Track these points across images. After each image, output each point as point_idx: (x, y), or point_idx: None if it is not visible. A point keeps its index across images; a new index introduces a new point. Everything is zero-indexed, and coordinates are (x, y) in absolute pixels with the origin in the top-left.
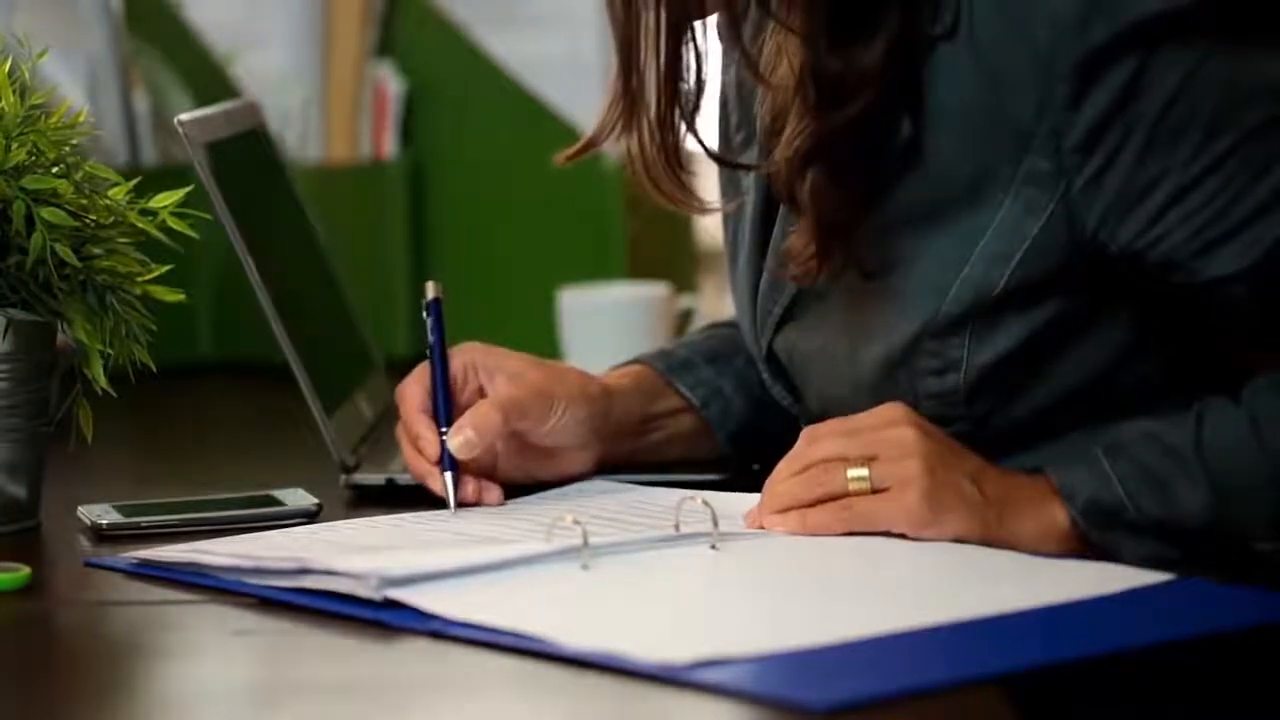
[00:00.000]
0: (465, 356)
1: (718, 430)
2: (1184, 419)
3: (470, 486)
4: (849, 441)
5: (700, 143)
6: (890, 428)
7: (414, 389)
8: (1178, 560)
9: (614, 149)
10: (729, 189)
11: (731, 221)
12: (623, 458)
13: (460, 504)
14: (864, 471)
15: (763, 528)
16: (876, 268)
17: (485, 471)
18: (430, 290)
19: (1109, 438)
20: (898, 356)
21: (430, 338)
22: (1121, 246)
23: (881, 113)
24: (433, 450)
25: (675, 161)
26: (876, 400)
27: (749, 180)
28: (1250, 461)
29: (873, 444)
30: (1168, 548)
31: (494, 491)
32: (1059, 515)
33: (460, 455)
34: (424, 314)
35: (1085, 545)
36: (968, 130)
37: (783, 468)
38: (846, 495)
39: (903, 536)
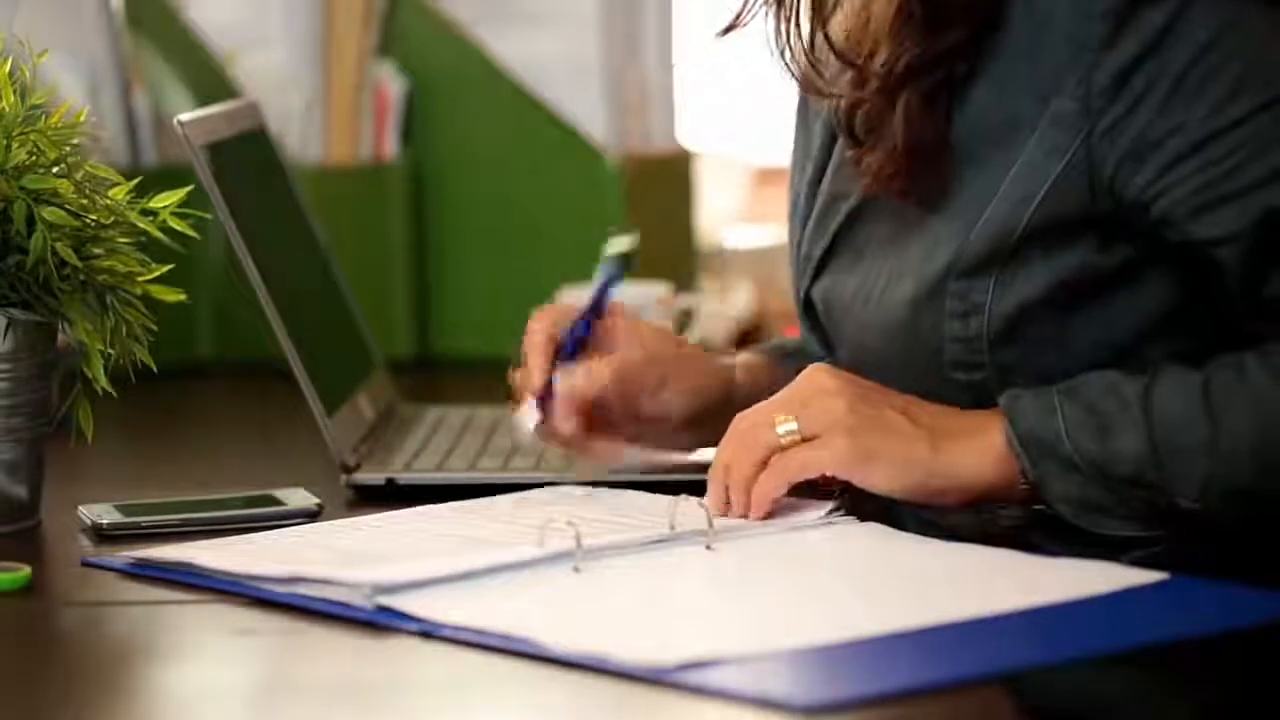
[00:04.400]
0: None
1: None
2: (1143, 374)
3: (569, 423)
4: (773, 403)
5: (828, 41)
6: (810, 382)
7: (552, 316)
8: (1103, 508)
9: (614, 148)
10: (801, 155)
11: (795, 180)
12: None
13: (547, 433)
14: (792, 425)
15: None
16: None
17: (597, 425)
18: (622, 244)
19: (1071, 381)
20: (924, 296)
21: (599, 281)
22: (1131, 197)
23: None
24: (536, 380)
25: (810, 46)
26: (905, 346)
27: (814, 144)
28: (1192, 423)
29: (796, 397)
30: (1096, 490)
31: (613, 449)
32: (997, 439)
33: (560, 395)
34: (602, 261)
35: (1019, 474)
36: (1010, 68)
37: (719, 447)
38: (780, 449)
39: (849, 488)
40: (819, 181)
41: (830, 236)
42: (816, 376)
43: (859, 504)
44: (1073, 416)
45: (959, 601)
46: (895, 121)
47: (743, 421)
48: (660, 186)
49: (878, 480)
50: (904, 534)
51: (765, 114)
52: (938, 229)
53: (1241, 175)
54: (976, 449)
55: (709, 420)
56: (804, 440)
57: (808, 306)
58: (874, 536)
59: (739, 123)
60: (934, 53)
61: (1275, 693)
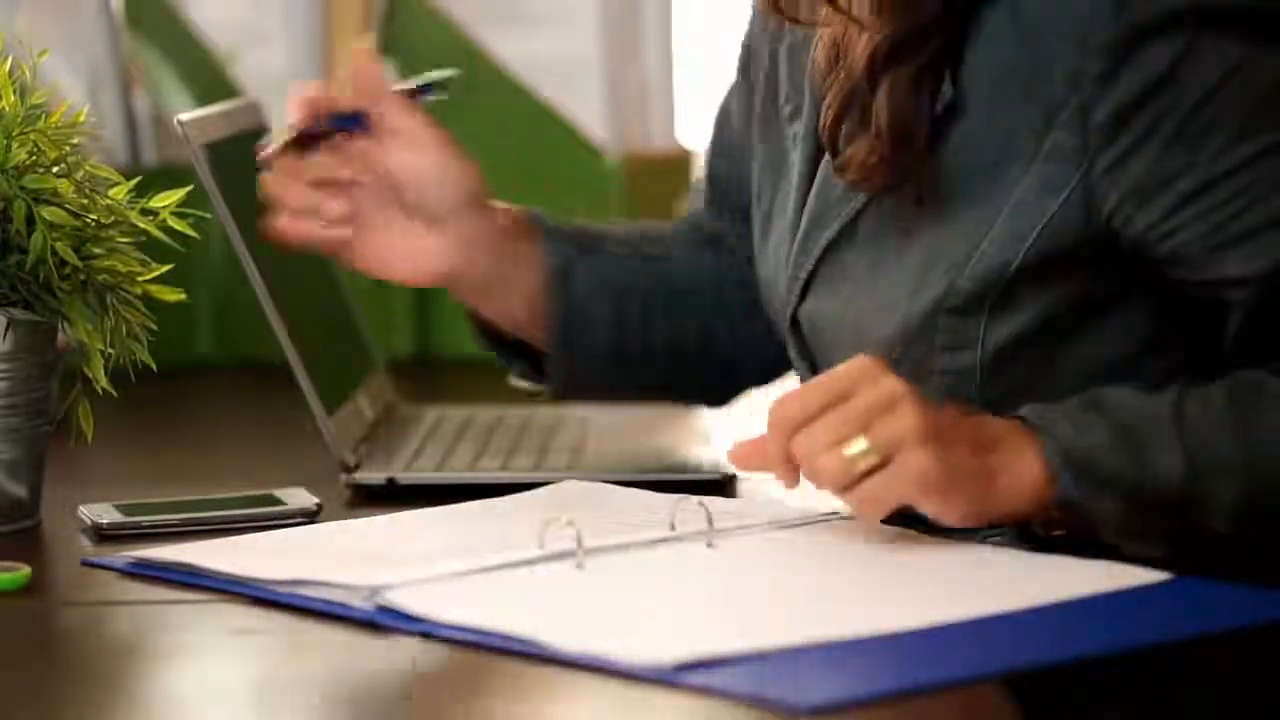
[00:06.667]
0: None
1: (552, 303)
2: (1166, 392)
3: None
4: (835, 413)
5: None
6: (872, 385)
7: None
8: (1136, 533)
9: (614, 148)
10: (767, 176)
11: (764, 199)
12: (473, 279)
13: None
14: (863, 444)
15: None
16: (929, 197)
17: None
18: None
19: (1090, 395)
20: (914, 331)
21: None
22: (1134, 236)
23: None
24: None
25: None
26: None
27: (795, 154)
28: (1224, 443)
29: (860, 405)
30: (1134, 515)
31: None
32: (1033, 466)
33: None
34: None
35: (1052, 499)
36: (999, 98)
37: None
38: (855, 476)
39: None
40: (803, 204)
41: (814, 260)
42: (881, 380)
43: None
44: (1105, 436)
45: (959, 601)
46: (878, 102)
47: (807, 441)
48: (660, 186)
49: (948, 515)
50: (904, 533)
51: None
52: (926, 261)
53: (1253, 215)
54: (1022, 481)
55: (466, 236)
56: (878, 460)
57: (794, 328)
58: (874, 535)
59: None
60: (915, 27)
61: (1275, 693)
